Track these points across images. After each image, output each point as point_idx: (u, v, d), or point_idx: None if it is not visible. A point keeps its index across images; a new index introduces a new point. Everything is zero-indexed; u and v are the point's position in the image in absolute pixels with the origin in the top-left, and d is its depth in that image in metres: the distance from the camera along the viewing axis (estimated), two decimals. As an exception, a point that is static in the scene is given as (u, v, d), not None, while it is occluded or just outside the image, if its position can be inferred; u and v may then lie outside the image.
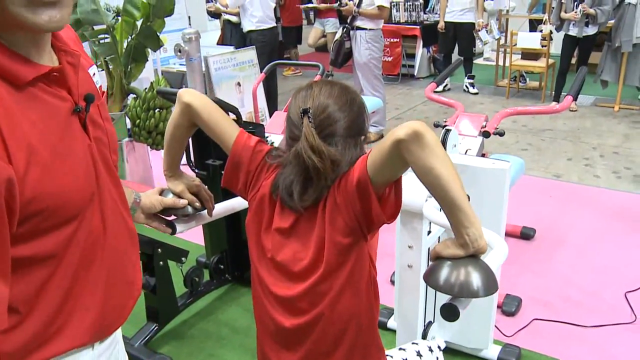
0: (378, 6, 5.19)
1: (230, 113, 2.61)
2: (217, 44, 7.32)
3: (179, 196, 1.61)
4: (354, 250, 1.29)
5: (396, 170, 1.18)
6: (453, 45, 7.29)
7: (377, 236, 1.42)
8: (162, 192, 1.62)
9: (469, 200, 2.08)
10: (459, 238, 1.15)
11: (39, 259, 0.95)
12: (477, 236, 1.13)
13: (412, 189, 1.97)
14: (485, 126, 2.77)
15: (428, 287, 2.21)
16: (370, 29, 5.33)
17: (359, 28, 5.34)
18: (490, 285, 1.12)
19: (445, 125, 2.58)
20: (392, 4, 8.03)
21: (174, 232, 1.67)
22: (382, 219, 1.23)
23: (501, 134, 2.76)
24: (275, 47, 5.96)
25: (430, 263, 1.22)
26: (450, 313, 1.18)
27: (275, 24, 5.92)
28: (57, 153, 0.94)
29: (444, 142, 2.18)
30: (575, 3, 6.05)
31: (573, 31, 6.14)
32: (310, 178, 1.29)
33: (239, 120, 2.66)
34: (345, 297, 1.31)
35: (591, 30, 6.08)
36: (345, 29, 5.45)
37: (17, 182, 0.86)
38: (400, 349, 1.71)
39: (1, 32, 0.90)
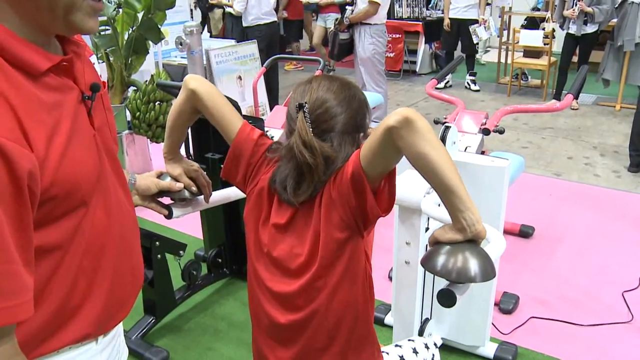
0: (369, 1, 5.18)
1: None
2: (219, 36, 7.31)
3: (176, 179, 1.60)
4: (349, 246, 1.28)
5: (389, 159, 1.17)
6: (456, 42, 7.27)
7: (373, 232, 1.41)
8: (160, 176, 1.62)
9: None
10: (456, 223, 1.14)
11: (46, 249, 0.95)
12: (474, 220, 1.12)
13: (410, 186, 1.97)
14: (485, 123, 2.76)
15: (425, 284, 2.21)
16: (374, 24, 5.32)
17: (362, 23, 5.33)
18: (487, 271, 1.12)
19: (445, 122, 2.58)
20: (395, -1, 8.02)
21: (170, 215, 1.65)
22: (376, 212, 1.22)
23: (501, 132, 2.75)
24: (273, 42, 5.93)
25: (428, 248, 1.22)
26: (447, 298, 1.17)
27: (274, 19, 5.91)
28: (70, 140, 0.95)
29: (443, 139, 2.17)
30: (575, 1, 6.04)
31: (572, 29, 6.14)
32: (304, 173, 1.28)
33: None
34: (341, 293, 1.31)
35: (590, 29, 6.08)
36: (337, 20, 5.47)
37: (39, 167, 0.88)
38: (396, 345, 1.71)
39: (23, 26, 0.91)
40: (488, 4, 7.40)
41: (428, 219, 2.11)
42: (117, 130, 4.18)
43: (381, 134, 1.12)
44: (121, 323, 1.25)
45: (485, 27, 7.01)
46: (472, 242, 1.15)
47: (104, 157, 1.07)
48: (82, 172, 0.98)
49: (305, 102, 1.28)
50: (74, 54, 1.03)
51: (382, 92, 5.43)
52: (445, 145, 2.12)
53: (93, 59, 1.19)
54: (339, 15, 8.13)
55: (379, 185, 1.22)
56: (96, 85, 1.06)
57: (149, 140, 4.19)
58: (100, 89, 1.08)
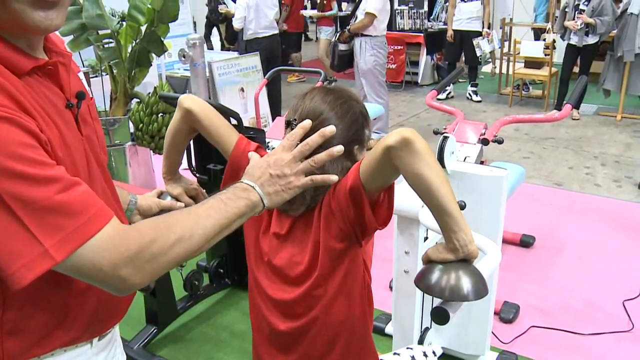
0: (365, 12, 5.22)
1: (231, 118, 2.64)
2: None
3: (177, 199, 1.62)
4: (347, 256, 1.30)
5: (388, 176, 1.19)
6: (459, 53, 7.30)
7: (372, 242, 1.42)
8: (160, 195, 1.63)
9: (464, 207, 2.09)
10: (449, 243, 1.16)
11: None
12: (467, 241, 1.14)
13: (409, 196, 1.99)
14: (484, 134, 2.79)
15: (424, 293, 2.22)
16: (375, 36, 5.37)
17: (363, 35, 5.37)
18: (480, 289, 1.14)
19: (444, 133, 2.60)
20: (397, 11, 8.07)
21: None
22: (374, 225, 1.24)
23: (500, 142, 2.77)
24: (273, 54, 5.97)
25: (422, 267, 1.23)
26: (440, 317, 1.19)
27: (274, 32, 5.95)
28: (62, 140, 0.97)
29: (441, 149, 2.19)
30: (576, 12, 6.08)
31: (573, 40, 6.18)
32: None
33: (240, 126, 2.68)
34: (339, 301, 1.32)
35: (591, 40, 6.12)
36: (340, 32, 5.52)
37: None
38: (394, 353, 1.72)
39: (1, 29, 0.93)
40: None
41: (427, 228, 2.12)
42: (120, 142, 4.19)
43: (380, 153, 1.14)
44: (118, 330, 1.27)
45: (488, 40, 7.05)
46: (465, 261, 1.17)
47: (93, 164, 1.08)
48: (72, 173, 0.96)
49: (294, 119, 1.29)
50: (60, 63, 1.04)
51: (383, 104, 5.46)
52: (443, 155, 2.15)
53: (81, 74, 1.19)
54: (332, 28, 8.23)
55: (377, 198, 1.23)
56: (81, 93, 1.07)
57: (151, 151, 4.22)
58: (87, 98, 1.09)
